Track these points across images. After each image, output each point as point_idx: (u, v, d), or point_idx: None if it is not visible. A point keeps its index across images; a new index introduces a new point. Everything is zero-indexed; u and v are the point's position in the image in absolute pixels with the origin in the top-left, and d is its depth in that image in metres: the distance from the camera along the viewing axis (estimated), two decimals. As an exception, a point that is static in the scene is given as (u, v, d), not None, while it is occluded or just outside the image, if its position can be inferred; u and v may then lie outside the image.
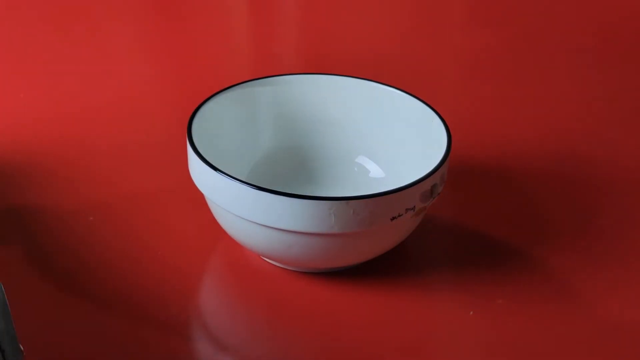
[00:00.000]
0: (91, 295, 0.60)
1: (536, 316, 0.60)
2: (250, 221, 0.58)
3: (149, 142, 0.76)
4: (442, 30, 1.01)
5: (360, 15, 1.00)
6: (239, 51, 0.95)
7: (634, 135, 0.80)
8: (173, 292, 0.61)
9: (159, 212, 0.68)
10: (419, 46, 0.94)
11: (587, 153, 0.77)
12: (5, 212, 0.67)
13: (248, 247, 0.62)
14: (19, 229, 0.66)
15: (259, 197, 0.57)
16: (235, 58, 0.93)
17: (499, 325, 0.60)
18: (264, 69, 0.85)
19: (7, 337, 0.46)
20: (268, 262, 0.63)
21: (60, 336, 0.57)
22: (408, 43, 0.95)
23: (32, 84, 0.84)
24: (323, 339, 0.59)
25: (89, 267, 0.63)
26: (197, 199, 0.63)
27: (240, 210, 0.58)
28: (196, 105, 0.64)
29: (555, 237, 0.67)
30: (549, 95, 0.86)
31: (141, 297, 0.60)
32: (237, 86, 0.67)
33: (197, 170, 0.60)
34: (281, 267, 0.63)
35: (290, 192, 0.57)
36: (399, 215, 0.58)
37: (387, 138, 0.68)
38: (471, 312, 0.61)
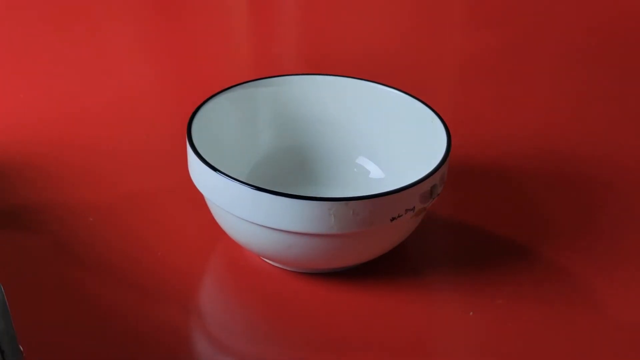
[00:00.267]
0: (91, 296, 0.61)
1: (536, 316, 0.60)
2: (250, 222, 0.58)
3: (148, 142, 0.76)
4: (442, 30, 1.01)
5: (360, 15, 1.00)
6: (239, 51, 0.95)
7: (634, 135, 0.80)
8: (173, 292, 0.61)
9: (159, 213, 0.68)
10: (419, 46, 0.94)
11: (587, 153, 0.77)
12: (5, 212, 0.67)
13: (248, 247, 0.62)
14: (19, 229, 0.66)
15: (258, 198, 0.57)
16: (235, 58, 0.93)
17: (499, 325, 0.60)
18: (264, 69, 0.85)
19: (6, 338, 0.46)
20: (268, 262, 0.63)
21: (60, 336, 0.57)
22: (408, 43, 0.95)
23: (32, 84, 0.84)
24: (322, 339, 0.59)
25: (89, 268, 0.63)
26: (197, 200, 0.63)
27: (240, 210, 0.58)
28: (196, 106, 0.64)
29: (556, 237, 0.67)
30: (549, 95, 0.86)
31: (141, 297, 0.60)
32: (237, 86, 0.67)
33: (197, 170, 0.60)
34: (281, 268, 0.63)
35: (290, 192, 0.57)
36: (399, 216, 0.58)
37: (387, 139, 0.68)
38: (471, 313, 0.61)
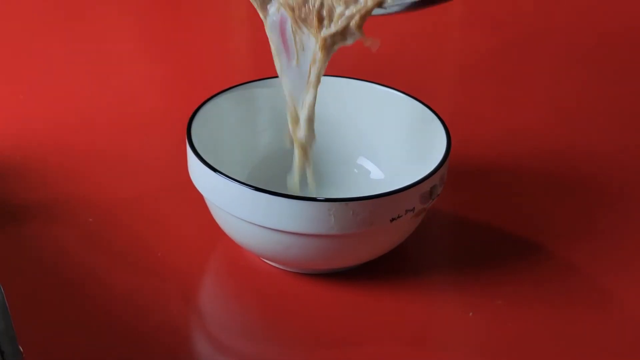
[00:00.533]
0: (91, 296, 0.61)
1: (536, 317, 0.60)
2: (249, 222, 0.58)
3: (148, 142, 0.76)
4: (442, 30, 1.01)
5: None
6: (239, 52, 0.95)
7: (635, 134, 0.80)
8: (173, 292, 0.61)
9: (159, 213, 0.68)
10: (419, 46, 0.94)
11: (587, 153, 0.77)
12: (5, 212, 0.67)
13: (247, 248, 0.62)
14: (19, 230, 0.66)
15: (258, 199, 0.57)
16: (235, 59, 0.93)
17: (499, 325, 0.60)
18: (264, 69, 0.84)
19: (6, 338, 0.46)
20: (267, 263, 0.63)
21: (60, 336, 0.57)
22: (407, 43, 0.95)
23: (31, 86, 0.84)
24: (323, 339, 0.59)
25: (89, 268, 0.63)
26: (197, 200, 0.63)
27: (240, 211, 0.58)
28: (196, 106, 0.64)
29: (556, 237, 0.67)
30: (549, 95, 0.86)
31: (141, 297, 0.60)
32: (237, 87, 0.67)
33: (197, 171, 0.60)
34: (281, 268, 0.63)
35: (289, 193, 0.57)
36: (399, 217, 0.58)
37: (387, 139, 0.68)
38: (471, 313, 0.61)
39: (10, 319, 0.47)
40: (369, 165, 0.69)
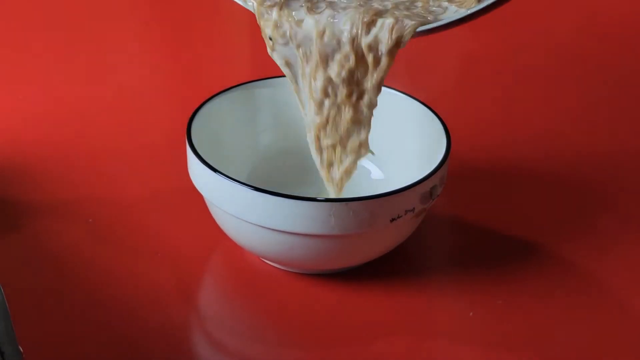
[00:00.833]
0: (91, 296, 0.61)
1: (537, 317, 0.60)
2: (249, 223, 0.58)
3: (148, 143, 0.76)
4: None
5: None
6: (239, 52, 0.95)
7: (634, 135, 0.80)
8: (173, 293, 0.61)
9: (158, 213, 0.68)
10: (419, 46, 0.94)
11: (587, 153, 0.77)
12: (4, 213, 0.67)
13: (247, 248, 0.62)
14: (18, 230, 0.66)
15: (258, 199, 0.57)
16: (235, 59, 0.93)
17: (499, 326, 0.60)
18: (264, 69, 0.84)
19: (6, 339, 0.46)
20: (268, 263, 0.63)
21: (60, 337, 0.57)
22: (407, 43, 0.95)
23: (31, 85, 0.84)
24: (323, 339, 0.59)
25: (89, 268, 0.63)
26: (197, 201, 0.63)
27: (240, 212, 0.58)
28: (196, 106, 0.64)
29: (556, 237, 0.67)
30: (550, 95, 0.86)
31: (141, 298, 0.60)
32: (237, 87, 0.67)
33: (197, 171, 0.60)
34: (281, 269, 0.63)
35: (290, 193, 0.57)
36: (399, 217, 0.58)
37: (386, 139, 0.68)
38: (471, 313, 0.61)
39: (10, 319, 0.47)
40: (369, 165, 0.69)
